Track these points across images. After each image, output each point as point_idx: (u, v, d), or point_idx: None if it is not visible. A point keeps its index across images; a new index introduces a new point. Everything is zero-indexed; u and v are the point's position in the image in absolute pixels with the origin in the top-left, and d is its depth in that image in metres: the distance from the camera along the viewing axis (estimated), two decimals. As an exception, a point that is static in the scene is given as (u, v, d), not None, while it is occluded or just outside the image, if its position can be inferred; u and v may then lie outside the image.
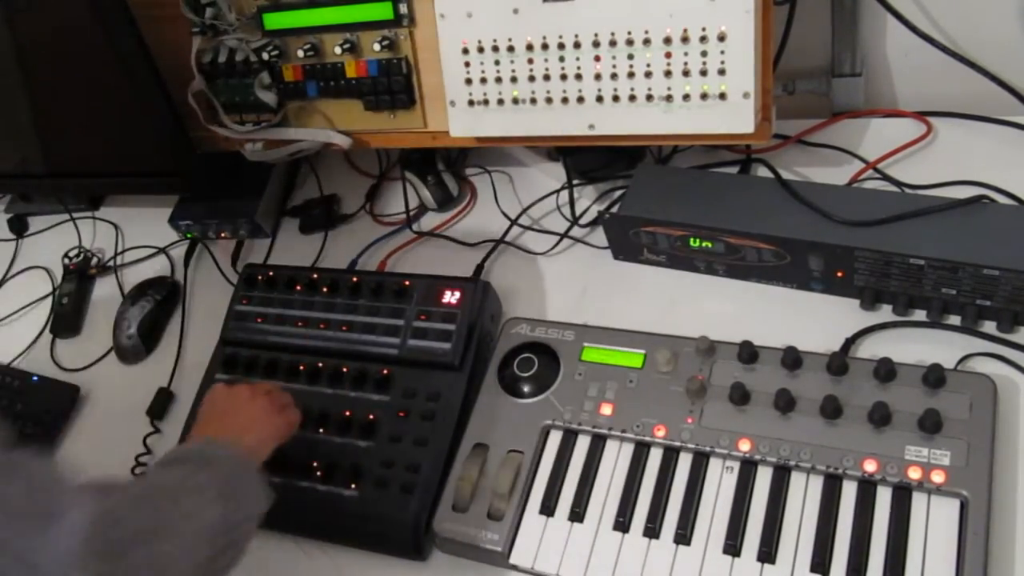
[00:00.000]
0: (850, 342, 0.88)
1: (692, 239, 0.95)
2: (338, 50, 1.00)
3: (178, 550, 0.63)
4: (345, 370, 0.97)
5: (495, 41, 0.92)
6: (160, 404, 1.10)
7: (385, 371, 0.96)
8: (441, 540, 0.86)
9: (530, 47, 0.91)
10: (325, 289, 1.03)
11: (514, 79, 0.93)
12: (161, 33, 1.05)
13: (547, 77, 0.92)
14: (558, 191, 1.13)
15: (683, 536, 0.79)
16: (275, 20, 1.02)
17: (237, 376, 1.02)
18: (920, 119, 1.05)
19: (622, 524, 0.81)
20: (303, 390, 0.98)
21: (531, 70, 0.92)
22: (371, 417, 0.93)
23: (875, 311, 0.90)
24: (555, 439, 0.88)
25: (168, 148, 1.12)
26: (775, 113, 0.90)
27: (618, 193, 1.09)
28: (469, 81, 0.95)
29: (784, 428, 0.81)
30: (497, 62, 0.93)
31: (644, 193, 0.99)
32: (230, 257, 1.24)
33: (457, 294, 0.97)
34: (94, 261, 1.32)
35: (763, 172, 1.03)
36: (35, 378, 1.17)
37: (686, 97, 0.87)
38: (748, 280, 0.96)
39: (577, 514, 0.83)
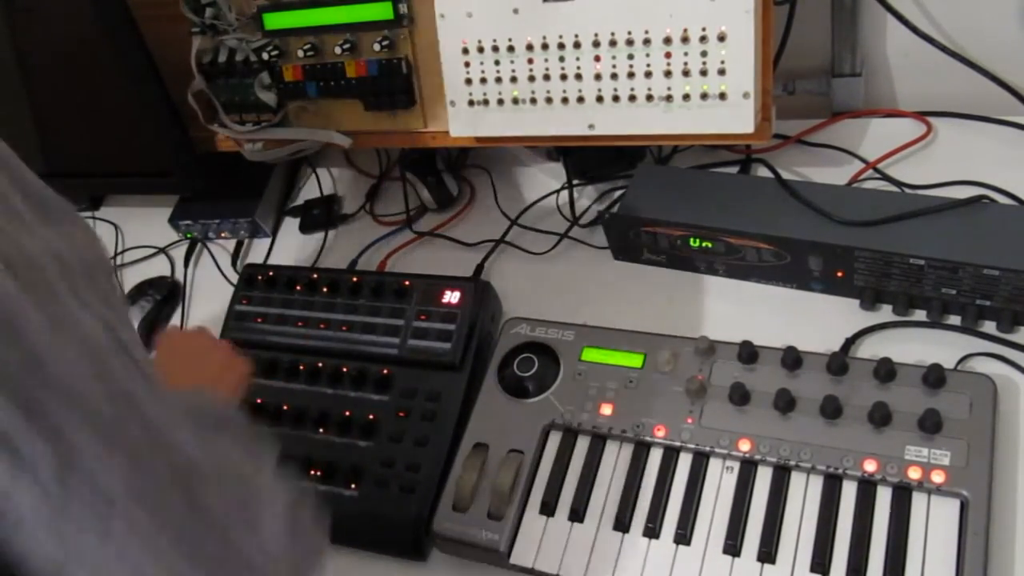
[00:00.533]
0: (850, 342, 0.88)
1: (692, 239, 0.95)
2: (338, 50, 1.00)
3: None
4: (345, 370, 0.97)
5: (495, 41, 0.92)
6: (160, 404, 1.10)
7: (385, 371, 0.96)
8: (441, 540, 0.86)
9: (530, 47, 0.91)
10: (325, 289, 1.03)
11: (514, 79, 0.93)
12: (161, 33, 1.05)
13: (547, 77, 0.92)
14: (558, 191, 1.13)
15: (683, 536, 0.79)
16: (275, 20, 1.02)
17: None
18: (920, 119, 1.05)
19: (622, 524, 0.81)
20: (303, 390, 0.98)
21: (531, 70, 0.92)
22: (371, 417, 0.93)
23: (875, 311, 0.90)
24: (555, 439, 0.88)
25: (168, 148, 1.12)
26: (775, 113, 0.90)
27: (618, 193, 1.09)
28: (469, 81, 0.95)
29: (784, 428, 0.81)
30: (497, 62, 0.93)
31: (644, 193, 0.99)
32: (230, 257, 1.24)
33: (457, 294, 0.97)
34: (94, 261, 1.32)
35: (763, 172, 1.03)
36: (35, 378, 1.17)
37: (686, 97, 0.87)
38: (748, 280, 0.96)
39: (577, 514, 0.83)
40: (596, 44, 0.88)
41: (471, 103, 0.96)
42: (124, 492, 0.44)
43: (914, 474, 0.75)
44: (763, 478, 0.80)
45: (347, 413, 0.94)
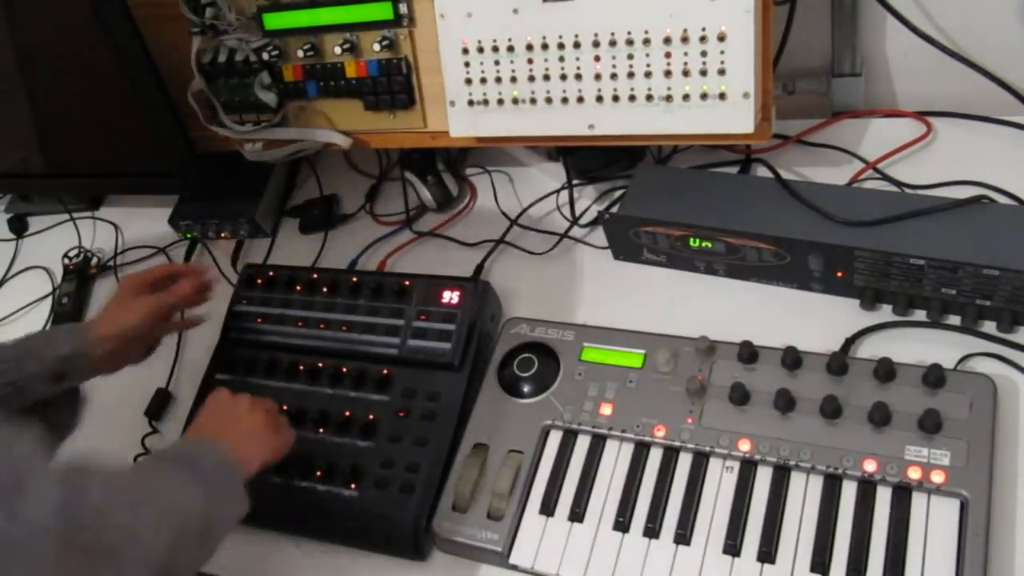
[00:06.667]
0: (850, 342, 0.88)
1: (692, 239, 0.95)
2: (338, 50, 1.00)
3: (145, 531, 0.65)
4: (345, 370, 0.97)
5: (495, 41, 0.92)
6: (158, 404, 1.10)
7: (385, 371, 0.96)
8: (441, 540, 0.86)
9: (530, 47, 0.91)
10: (325, 289, 1.03)
11: (514, 79, 0.93)
12: (161, 33, 1.05)
13: (547, 77, 0.92)
14: (558, 191, 1.13)
15: (683, 536, 0.79)
16: (275, 20, 1.02)
17: (237, 377, 1.02)
18: (920, 119, 1.05)
19: (622, 524, 0.81)
20: (303, 390, 0.98)
21: (531, 70, 0.92)
22: (371, 417, 0.93)
23: (875, 311, 0.90)
24: (555, 439, 0.88)
25: (168, 148, 1.12)
26: (775, 113, 0.90)
27: (618, 193, 1.09)
28: (469, 81, 0.95)
29: (784, 428, 0.81)
30: (497, 62, 0.93)
31: (644, 193, 0.99)
32: (230, 257, 1.24)
33: (457, 294, 0.97)
34: (94, 261, 1.32)
35: (763, 172, 1.03)
36: (35, 378, 1.17)
37: (686, 97, 0.87)
38: (748, 280, 0.96)
39: (577, 514, 0.83)
40: (596, 44, 0.88)
41: (471, 103, 0.96)
42: None
43: (914, 474, 0.75)
44: (763, 478, 0.80)
45: (347, 413, 0.94)
